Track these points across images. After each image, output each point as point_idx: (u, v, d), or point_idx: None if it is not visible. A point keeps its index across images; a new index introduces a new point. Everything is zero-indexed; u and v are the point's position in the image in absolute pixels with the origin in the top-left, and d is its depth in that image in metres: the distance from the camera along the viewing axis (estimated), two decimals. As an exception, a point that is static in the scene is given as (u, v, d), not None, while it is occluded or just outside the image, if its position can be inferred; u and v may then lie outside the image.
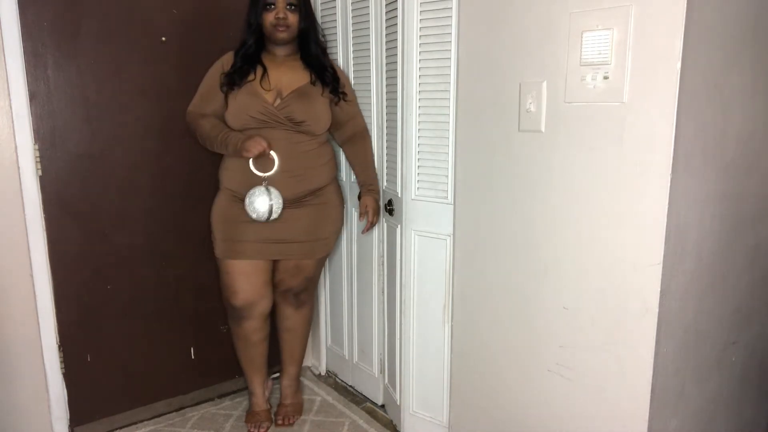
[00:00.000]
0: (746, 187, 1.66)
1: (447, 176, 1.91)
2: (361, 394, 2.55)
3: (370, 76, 2.21)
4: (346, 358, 2.60)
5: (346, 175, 2.45)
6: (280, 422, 2.32)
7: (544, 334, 1.65)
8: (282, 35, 2.03)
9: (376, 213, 2.24)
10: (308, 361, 2.79)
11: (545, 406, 1.68)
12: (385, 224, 2.25)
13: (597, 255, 1.50)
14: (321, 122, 2.10)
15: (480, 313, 1.84)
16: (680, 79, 1.29)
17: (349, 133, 2.24)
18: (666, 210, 1.35)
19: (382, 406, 2.45)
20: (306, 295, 2.33)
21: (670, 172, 1.33)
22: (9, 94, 1.92)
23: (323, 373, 2.75)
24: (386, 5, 2.06)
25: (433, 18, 1.84)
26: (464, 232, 1.86)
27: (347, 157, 2.29)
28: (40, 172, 2.02)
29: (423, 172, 1.98)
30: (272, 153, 2.01)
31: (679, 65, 1.28)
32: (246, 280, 2.12)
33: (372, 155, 2.27)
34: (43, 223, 2.04)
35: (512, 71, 1.62)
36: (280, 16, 2.01)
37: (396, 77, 2.00)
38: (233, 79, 2.03)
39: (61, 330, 2.13)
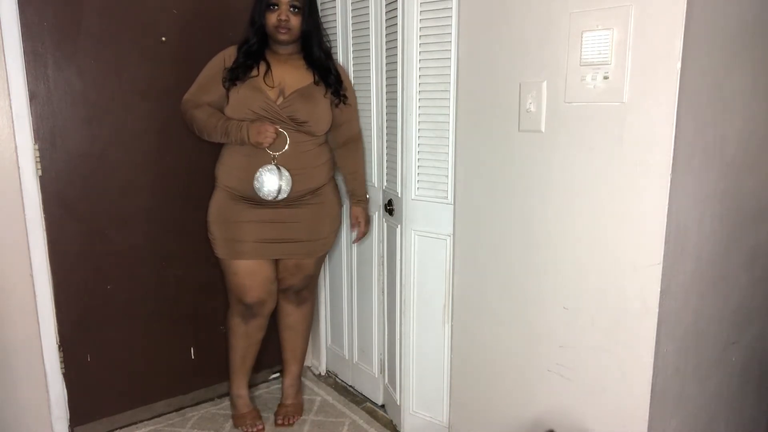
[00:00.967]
0: (746, 187, 1.66)
1: (447, 176, 1.91)
2: (361, 394, 2.55)
3: (370, 76, 2.21)
4: (346, 358, 2.60)
5: (346, 175, 2.45)
6: (280, 422, 2.32)
7: (544, 334, 1.65)
8: (283, 37, 2.04)
9: (368, 223, 2.30)
10: (308, 361, 2.79)
11: (545, 406, 1.68)
12: (385, 224, 2.25)
13: (597, 255, 1.50)
14: (323, 123, 2.11)
15: (480, 313, 1.84)
16: (680, 79, 1.29)
17: (343, 138, 2.23)
18: (666, 210, 1.35)
19: (382, 406, 2.45)
20: (307, 292, 2.34)
21: (670, 172, 1.33)
22: (9, 94, 1.91)
23: (323, 373, 2.75)
24: (386, 5, 2.06)
25: (433, 18, 1.84)
26: (464, 232, 1.86)
27: (338, 162, 2.26)
28: (40, 172, 2.02)
29: (423, 172, 1.98)
30: (281, 131, 2.02)
31: (679, 65, 1.28)
32: (254, 278, 2.13)
33: (363, 164, 2.28)
34: (43, 223, 2.04)
35: (512, 71, 1.62)
36: (282, 18, 2.01)
37: (396, 77, 2.00)
38: (236, 74, 2.03)
39: (61, 330, 2.13)
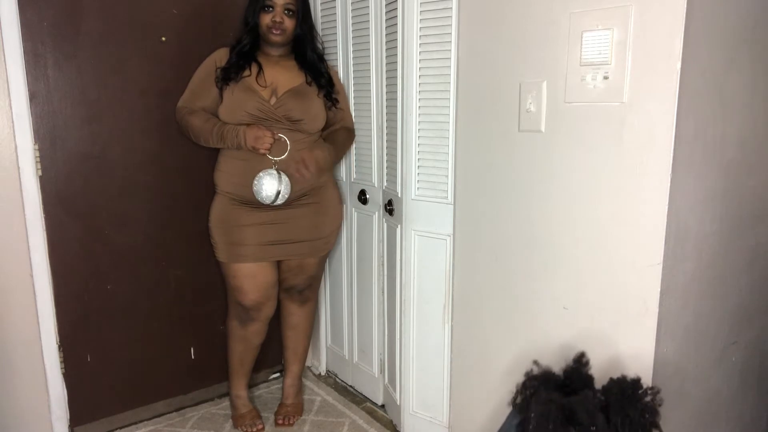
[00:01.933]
0: (746, 187, 1.66)
1: (447, 176, 1.91)
2: (361, 394, 2.55)
3: (370, 76, 2.21)
4: (346, 358, 2.60)
5: (346, 175, 2.45)
6: (280, 422, 2.33)
7: (544, 334, 1.65)
8: (276, 38, 2.04)
9: (316, 167, 2.05)
10: (308, 361, 2.79)
11: (545, 406, 1.68)
12: (385, 224, 2.25)
13: (597, 255, 1.50)
14: (317, 121, 2.12)
15: (480, 313, 1.84)
16: (680, 79, 1.29)
17: (336, 127, 2.25)
18: (666, 210, 1.35)
19: (382, 406, 2.45)
20: (310, 292, 2.34)
21: (670, 172, 1.33)
22: (9, 94, 1.91)
23: (323, 373, 2.75)
24: (386, 5, 2.06)
25: (433, 18, 1.84)
26: (464, 232, 1.86)
27: (325, 138, 2.21)
28: (40, 172, 2.02)
29: (423, 172, 1.98)
30: (281, 136, 2.01)
31: (679, 65, 1.28)
32: (254, 281, 2.13)
33: (345, 143, 2.25)
34: (43, 223, 2.04)
35: (512, 71, 1.62)
36: (277, 20, 2.01)
37: (396, 77, 2.00)
38: (229, 74, 2.03)
39: (61, 330, 2.13)
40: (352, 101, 2.32)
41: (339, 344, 2.65)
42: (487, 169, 1.75)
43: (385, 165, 2.22)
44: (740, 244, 1.69)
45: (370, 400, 2.50)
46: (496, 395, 1.83)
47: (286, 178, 2.01)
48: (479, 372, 1.88)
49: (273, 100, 2.05)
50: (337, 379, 2.69)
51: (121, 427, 2.31)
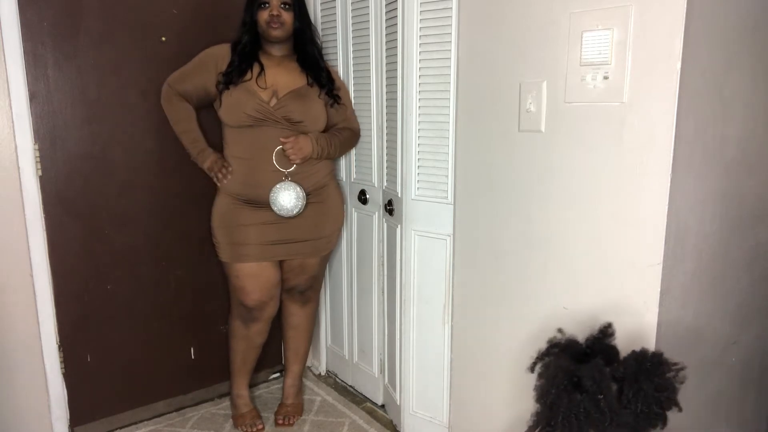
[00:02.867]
0: (746, 187, 1.66)
1: (447, 176, 1.91)
2: (361, 394, 2.55)
3: (370, 76, 2.21)
4: (346, 358, 2.60)
5: (346, 175, 2.45)
6: (280, 422, 2.33)
7: (544, 334, 1.65)
8: (276, 32, 2.04)
9: (302, 153, 2.05)
10: (308, 361, 2.79)
11: (545, 406, 1.68)
12: (385, 224, 2.25)
13: (597, 255, 1.50)
14: (318, 122, 2.12)
15: (480, 313, 1.84)
16: (680, 79, 1.29)
17: (339, 127, 2.24)
18: (666, 210, 1.35)
19: (382, 406, 2.45)
20: (311, 292, 2.34)
21: (670, 172, 1.33)
22: (9, 94, 1.91)
23: (323, 373, 2.75)
24: (386, 5, 2.06)
25: (433, 18, 1.84)
26: (464, 232, 1.86)
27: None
28: (40, 172, 2.02)
29: (423, 172, 1.98)
30: (282, 141, 2.04)
31: (679, 65, 1.28)
32: (256, 281, 2.13)
33: (345, 143, 2.24)
34: (43, 223, 2.04)
35: (512, 71, 1.62)
36: (274, 14, 2.02)
37: (396, 77, 2.00)
38: (231, 78, 2.03)
39: (61, 330, 2.13)
40: (352, 101, 2.32)
41: (339, 344, 2.65)
42: (487, 169, 1.75)
43: (385, 165, 2.22)
44: (740, 244, 1.69)
45: (370, 400, 2.50)
46: (496, 395, 1.83)
47: (300, 190, 2.05)
48: (479, 372, 1.88)
49: (273, 102, 2.05)
50: (337, 379, 2.69)
51: (121, 427, 2.31)
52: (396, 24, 1.96)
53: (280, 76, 2.09)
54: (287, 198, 2.03)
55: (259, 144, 2.04)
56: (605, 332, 1.31)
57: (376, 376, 2.44)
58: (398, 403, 2.23)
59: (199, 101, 2.11)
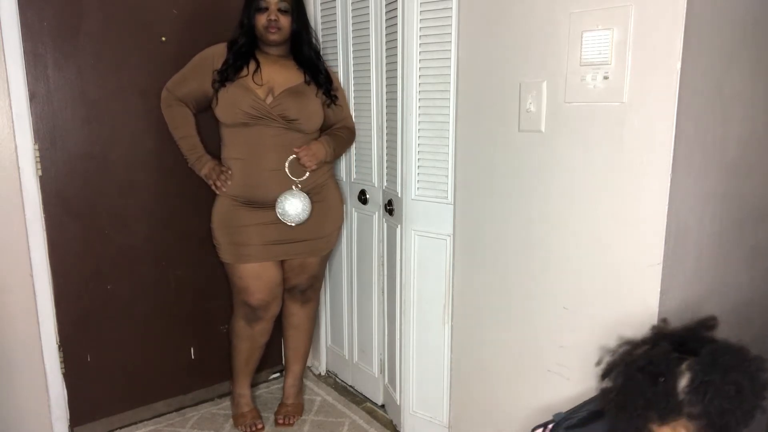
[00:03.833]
0: (746, 187, 1.66)
1: (447, 176, 1.91)
2: (361, 394, 2.55)
3: (370, 77, 2.21)
4: (346, 358, 2.60)
5: (346, 175, 2.45)
6: (281, 422, 2.33)
7: (544, 334, 1.65)
8: (273, 37, 2.04)
9: (316, 159, 2.09)
10: (308, 361, 2.79)
11: (545, 406, 1.68)
12: (385, 224, 2.25)
13: (597, 255, 1.50)
14: (314, 121, 2.12)
15: (480, 313, 1.84)
16: (680, 79, 1.29)
17: (337, 126, 2.25)
18: (666, 210, 1.35)
19: (382, 406, 2.45)
20: (312, 292, 2.34)
21: (670, 172, 1.33)
22: (9, 94, 1.91)
23: (323, 373, 2.75)
24: (386, 5, 2.06)
25: (433, 18, 1.84)
26: (464, 232, 1.86)
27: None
28: (40, 172, 2.02)
29: (423, 172, 1.98)
30: (295, 152, 2.07)
31: (679, 65, 1.28)
32: (260, 281, 2.13)
33: (346, 141, 2.27)
34: (43, 223, 2.04)
35: (512, 71, 1.62)
36: (272, 18, 2.01)
37: (396, 77, 2.00)
38: (226, 75, 2.03)
39: (61, 330, 2.13)
40: (352, 101, 2.32)
41: (339, 344, 2.65)
42: (487, 169, 1.75)
43: (385, 165, 2.22)
44: (740, 244, 1.69)
45: (370, 400, 2.50)
46: (496, 395, 1.83)
47: (307, 199, 2.07)
48: (479, 372, 1.88)
49: (269, 99, 2.05)
50: (337, 379, 2.69)
51: (121, 427, 2.31)
52: (396, 24, 1.96)
53: (276, 74, 2.08)
54: (293, 207, 2.05)
55: (256, 143, 2.04)
56: (705, 324, 1.19)
57: (376, 376, 2.43)
58: (398, 403, 2.23)
59: (198, 104, 2.11)
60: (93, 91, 2.08)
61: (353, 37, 2.27)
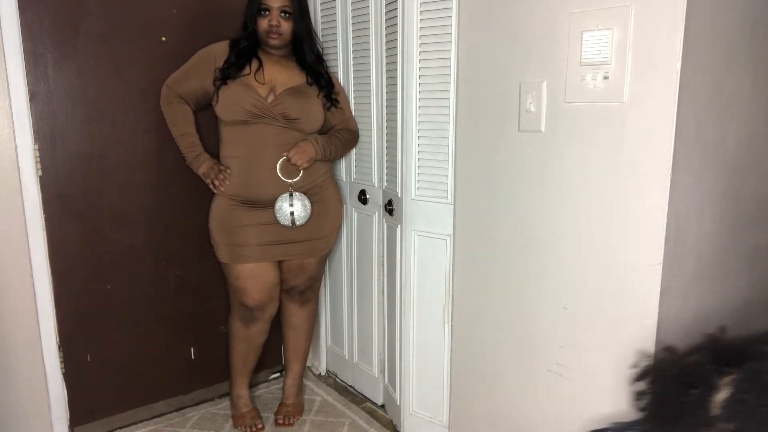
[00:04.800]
0: (746, 187, 1.66)
1: (447, 176, 1.91)
2: (361, 394, 2.55)
3: (370, 77, 2.21)
4: (346, 358, 2.60)
5: (346, 175, 2.45)
6: (281, 422, 2.33)
7: (544, 334, 1.65)
8: (274, 42, 2.04)
9: (307, 156, 2.06)
10: (308, 361, 2.79)
11: (545, 406, 1.68)
12: (385, 224, 2.25)
13: (597, 255, 1.50)
14: (315, 121, 2.12)
15: (480, 313, 1.84)
16: (680, 79, 1.29)
17: (339, 127, 2.25)
18: (666, 210, 1.35)
19: (382, 406, 2.45)
20: (311, 292, 2.34)
21: (670, 172, 1.33)
22: (9, 94, 1.91)
23: (323, 373, 2.75)
24: (386, 5, 2.06)
25: (433, 18, 1.84)
26: (464, 232, 1.86)
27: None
28: (40, 172, 2.02)
29: (423, 172, 1.98)
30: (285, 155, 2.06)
31: (679, 65, 1.28)
32: (256, 281, 2.13)
33: (345, 144, 2.24)
34: (43, 223, 2.04)
35: (512, 71, 1.62)
36: (273, 23, 2.01)
37: (396, 77, 2.00)
38: (228, 73, 2.03)
39: (61, 330, 2.13)
40: (352, 101, 2.32)
41: (339, 344, 2.65)
42: (486, 169, 1.75)
43: (385, 165, 2.22)
44: (740, 244, 1.69)
45: (370, 400, 2.50)
46: (496, 395, 1.83)
47: (306, 200, 2.08)
48: (479, 372, 1.88)
49: (271, 98, 2.05)
50: (337, 379, 2.69)
51: (121, 427, 2.31)
52: (396, 24, 1.96)
53: (278, 73, 2.08)
54: (293, 209, 2.06)
55: (255, 142, 2.04)
56: (764, 339, 1.17)
57: (376, 376, 2.44)
58: (398, 403, 2.23)
59: (198, 101, 2.11)
60: (93, 91, 2.08)
61: (353, 37, 2.27)
